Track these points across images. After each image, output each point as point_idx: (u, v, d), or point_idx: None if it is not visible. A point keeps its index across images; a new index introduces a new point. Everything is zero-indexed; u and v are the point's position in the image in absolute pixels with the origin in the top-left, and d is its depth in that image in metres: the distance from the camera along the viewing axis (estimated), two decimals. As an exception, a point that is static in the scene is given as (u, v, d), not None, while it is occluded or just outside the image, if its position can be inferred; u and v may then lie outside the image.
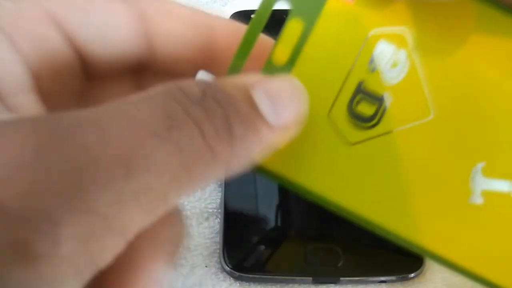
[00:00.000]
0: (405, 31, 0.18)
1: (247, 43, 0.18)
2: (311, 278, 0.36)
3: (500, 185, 0.18)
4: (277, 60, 0.18)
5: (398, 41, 0.18)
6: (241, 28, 0.16)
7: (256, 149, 0.16)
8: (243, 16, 0.46)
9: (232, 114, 0.15)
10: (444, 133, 0.19)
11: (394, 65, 0.18)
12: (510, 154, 0.18)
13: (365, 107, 0.19)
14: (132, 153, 0.13)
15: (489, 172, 0.18)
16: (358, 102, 0.18)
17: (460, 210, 0.19)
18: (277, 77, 0.17)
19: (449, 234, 0.19)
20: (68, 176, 0.12)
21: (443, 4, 0.18)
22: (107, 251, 0.12)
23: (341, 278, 0.35)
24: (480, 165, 0.18)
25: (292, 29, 0.18)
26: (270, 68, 0.18)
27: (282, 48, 0.18)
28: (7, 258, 0.11)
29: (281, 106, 0.16)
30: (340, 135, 0.19)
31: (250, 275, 0.36)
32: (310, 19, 0.18)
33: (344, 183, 0.19)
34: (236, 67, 0.18)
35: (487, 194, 0.18)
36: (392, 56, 0.18)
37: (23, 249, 0.11)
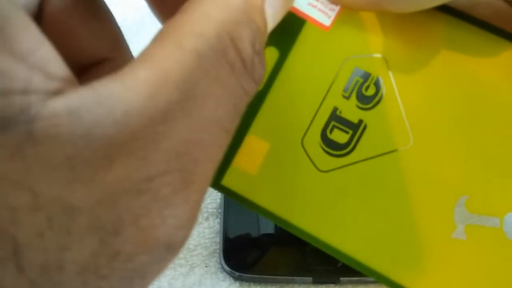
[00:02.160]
0: (381, 57, 0.18)
1: None
2: (311, 278, 0.36)
3: (484, 220, 0.17)
4: None
5: (374, 67, 0.18)
6: None
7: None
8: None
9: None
10: (424, 162, 0.18)
11: (370, 91, 0.18)
12: (495, 188, 0.17)
13: (339, 134, 0.18)
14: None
15: (473, 207, 0.17)
16: (332, 129, 0.18)
17: (443, 245, 0.18)
18: None
19: (431, 271, 0.17)
20: None
21: (415, 21, 0.17)
22: None
23: (341, 278, 0.35)
24: (464, 199, 0.17)
25: (267, 57, 0.18)
26: None
27: None
28: None
29: None
30: (313, 162, 0.18)
31: (250, 275, 0.36)
32: (285, 46, 0.18)
33: (314, 213, 0.18)
34: None
35: (471, 229, 0.17)
36: (367, 82, 0.18)
37: None
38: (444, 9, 0.17)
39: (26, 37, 0.12)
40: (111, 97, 0.12)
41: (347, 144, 0.18)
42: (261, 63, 0.15)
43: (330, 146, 0.18)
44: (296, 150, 0.18)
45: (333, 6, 0.18)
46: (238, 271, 0.36)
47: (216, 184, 0.18)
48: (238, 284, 0.36)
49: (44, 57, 0.12)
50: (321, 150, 0.18)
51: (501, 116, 0.17)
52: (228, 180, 0.18)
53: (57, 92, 0.12)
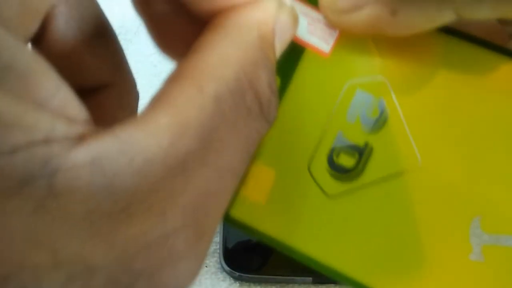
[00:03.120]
0: (382, 79, 0.18)
1: None
2: (311, 278, 0.36)
3: (503, 240, 0.17)
4: None
5: (376, 89, 0.18)
6: None
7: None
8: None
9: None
10: (434, 182, 0.17)
11: (374, 113, 0.18)
12: (509, 205, 0.17)
13: (346, 158, 0.18)
14: None
15: (488, 226, 0.17)
16: (338, 153, 0.18)
17: (461, 268, 0.17)
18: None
19: None
20: None
21: (414, 41, 0.18)
22: None
23: (341, 278, 0.35)
24: (478, 218, 0.17)
25: None
26: None
27: None
28: None
29: None
30: (321, 187, 0.18)
31: (250, 275, 0.36)
32: (287, 74, 0.18)
33: (325, 240, 0.18)
34: None
35: (489, 250, 0.17)
36: (371, 104, 0.18)
37: None
38: (441, 28, 0.18)
39: (45, 82, 0.12)
40: (134, 145, 0.12)
41: (355, 168, 0.18)
42: (275, 102, 0.15)
43: (338, 170, 0.18)
44: (304, 176, 0.18)
45: (332, 32, 0.18)
46: (238, 271, 0.36)
47: (225, 216, 0.18)
48: (238, 284, 0.36)
49: (63, 101, 0.12)
50: (329, 175, 0.18)
51: (507, 131, 0.17)
52: (237, 212, 0.18)
53: (80, 138, 0.12)
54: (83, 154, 0.11)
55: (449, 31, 0.18)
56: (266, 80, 0.14)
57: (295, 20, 0.17)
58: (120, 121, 0.17)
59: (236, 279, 0.36)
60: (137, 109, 0.19)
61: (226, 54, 0.14)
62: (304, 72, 0.18)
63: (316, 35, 0.18)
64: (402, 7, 0.16)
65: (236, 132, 0.14)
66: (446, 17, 0.17)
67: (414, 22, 0.17)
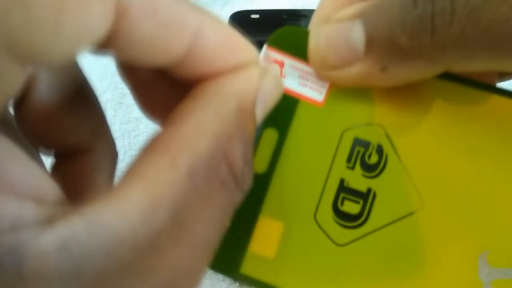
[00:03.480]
0: (377, 124, 0.18)
1: None
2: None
3: (511, 273, 0.17)
4: (257, 169, 0.18)
5: (373, 135, 0.18)
6: (232, 35, 0.16)
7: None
8: (242, 16, 0.46)
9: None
10: (439, 223, 0.18)
11: (373, 159, 0.18)
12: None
13: (351, 205, 0.18)
14: None
15: (495, 261, 0.17)
16: (342, 201, 0.18)
17: None
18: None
19: None
20: None
21: (406, 88, 0.18)
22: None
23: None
24: (485, 254, 0.17)
25: (267, 138, 0.18)
26: None
27: (260, 157, 0.18)
28: None
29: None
30: (329, 237, 0.18)
31: (250, 275, 0.36)
32: (284, 126, 0.18)
33: (338, 287, 0.18)
34: None
35: (499, 284, 0.17)
36: (369, 150, 0.18)
37: None
38: None
39: (13, 165, 0.12)
40: (102, 226, 0.12)
41: (360, 214, 0.18)
42: (250, 172, 0.15)
43: (344, 218, 0.18)
44: (311, 226, 0.18)
45: (323, 83, 0.19)
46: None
47: (235, 274, 0.18)
48: (238, 284, 0.36)
49: (34, 181, 0.12)
50: (336, 224, 0.18)
51: (504, 167, 0.18)
52: (246, 268, 0.18)
53: (48, 220, 0.11)
54: (51, 239, 0.11)
55: (440, 75, 0.18)
56: (240, 152, 0.14)
57: (278, 86, 0.17)
58: (98, 185, 0.17)
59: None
60: (115, 173, 0.19)
61: (202, 126, 0.14)
62: (300, 123, 0.18)
63: (308, 86, 0.19)
64: (391, 64, 0.17)
65: (210, 204, 0.14)
66: (436, 71, 0.17)
67: (404, 77, 0.17)
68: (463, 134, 0.18)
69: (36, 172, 0.12)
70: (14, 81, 0.12)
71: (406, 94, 0.18)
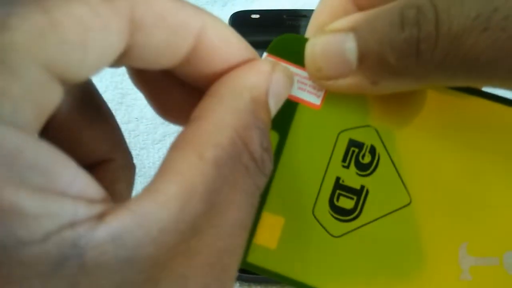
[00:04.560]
0: (371, 126, 0.20)
1: None
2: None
3: (486, 261, 0.19)
4: None
5: (366, 136, 0.20)
6: (232, 33, 0.17)
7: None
8: (242, 16, 0.46)
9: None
10: (425, 217, 0.20)
11: (366, 159, 0.20)
12: (491, 231, 0.20)
13: (345, 201, 0.20)
14: None
15: (473, 251, 0.19)
16: (338, 197, 0.20)
17: (453, 287, 0.20)
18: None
19: None
20: None
21: (403, 94, 0.19)
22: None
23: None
24: (465, 244, 0.19)
25: None
26: None
27: None
28: None
29: None
30: (325, 229, 0.20)
31: (250, 275, 0.36)
32: (284, 128, 0.20)
33: (335, 276, 0.20)
34: None
35: (475, 270, 0.19)
36: (363, 151, 0.20)
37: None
38: None
39: (64, 172, 0.13)
40: (148, 217, 0.13)
41: (354, 209, 0.20)
42: (269, 157, 0.17)
43: (339, 212, 0.20)
44: (309, 220, 0.20)
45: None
46: (238, 271, 0.36)
47: (242, 262, 0.19)
48: (238, 284, 0.36)
49: (82, 185, 0.13)
50: (332, 217, 0.20)
51: (487, 164, 0.20)
52: (252, 257, 0.20)
53: (100, 216, 0.13)
54: (105, 232, 0.13)
55: None
56: (258, 140, 0.16)
57: (289, 78, 0.19)
58: (118, 193, 0.19)
59: (236, 279, 0.36)
60: (133, 181, 0.21)
61: (222, 120, 0.16)
62: (299, 125, 0.20)
63: (306, 90, 0.20)
64: (382, 79, 0.18)
65: (238, 189, 0.15)
66: (424, 86, 0.19)
67: (394, 90, 0.19)
68: (449, 136, 0.20)
69: (83, 176, 0.14)
70: (54, 97, 0.14)
71: (398, 98, 0.19)
